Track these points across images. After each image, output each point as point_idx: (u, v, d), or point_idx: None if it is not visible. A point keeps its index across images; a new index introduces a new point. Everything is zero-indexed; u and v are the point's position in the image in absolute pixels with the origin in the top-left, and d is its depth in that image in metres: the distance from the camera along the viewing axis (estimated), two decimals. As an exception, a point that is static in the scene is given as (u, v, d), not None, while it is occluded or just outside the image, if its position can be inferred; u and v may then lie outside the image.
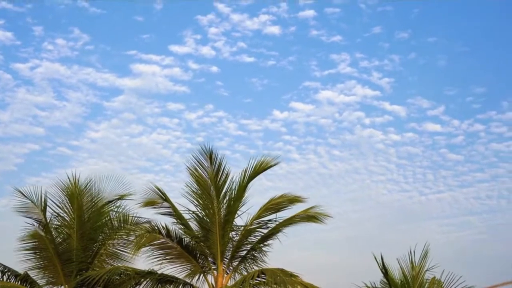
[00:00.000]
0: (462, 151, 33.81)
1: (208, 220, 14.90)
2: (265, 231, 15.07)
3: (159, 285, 14.56)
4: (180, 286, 14.83)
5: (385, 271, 14.30)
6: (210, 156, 14.74)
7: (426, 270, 14.04)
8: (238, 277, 14.93)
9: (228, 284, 14.71)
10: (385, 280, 14.17)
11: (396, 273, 14.34)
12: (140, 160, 32.81)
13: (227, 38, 30.40)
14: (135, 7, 29.68)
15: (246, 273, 14.67)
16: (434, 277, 13.90)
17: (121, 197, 15.47)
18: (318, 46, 31.57)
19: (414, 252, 13.90)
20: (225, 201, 15.02)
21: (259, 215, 15.18)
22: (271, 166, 15.25)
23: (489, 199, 34.56)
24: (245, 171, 15.06)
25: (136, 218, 15.31)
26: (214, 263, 14.99)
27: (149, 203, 15.03)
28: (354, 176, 35.32)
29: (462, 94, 32.97)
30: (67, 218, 15.03)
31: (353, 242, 35.22)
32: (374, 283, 14.37)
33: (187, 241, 15.01)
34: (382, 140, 33.40)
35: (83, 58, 29.88)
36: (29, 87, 30.36)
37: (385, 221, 36.29)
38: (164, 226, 14.80)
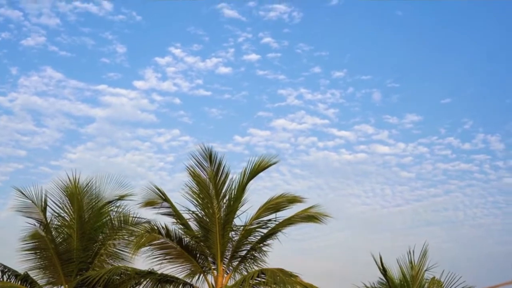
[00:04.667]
0: (412, 169, 37.03)
1: (208, 220, 14.89)
2: (265, 231, 15.08)
3: (159, 285, 14.57)
4: (180, 286, 14.83)
5: (384, 271, 14.30)
6: (210, 156, 14.75)
7: (426, 270, 14.03)
8: (238, 277, 14.93)
9: (228, 284, 14.72)
10: (382, 280, 14.20)
11: (395, 273, 14.38)
12: (117, 177, 34.64)
13: (185, 76, 34.66)
14: (100, 51, 33.73)
15: (246, 273, 14.67)
16: (434, 277, 13.88)
17: (121, 197, 15.47)
18: (265, 83, 35.65)
19: (413, 252, 13.92)
20: (224, 201, 15.02)
21: (259, 215, 15.18)
22: (270, 165, 15.27)
23: (446, 211, 37.66)
24: (245, 171, 15.09)
25: (136, 218, 15.31)
26: (214, 263, 14.99)
27: (149, 203, 15.02)
28: (317, 191, 37.97)
29: (401, 122, 36.48)
30: (67, 218, 15.03)
31: (328, 251, 38.01)
32: (374, 283, 14.41)
33: (187, 241, 15.00)
34: (337, 160, 36.85)
35: (58, 92, 33.66)
36: (10, 116, 34.08)
37: (353, 231, 38.88)
38: (164, 226, 14.79)
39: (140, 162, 35.66)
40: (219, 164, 14.88)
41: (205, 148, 14.71)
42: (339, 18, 36.16)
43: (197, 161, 14.95)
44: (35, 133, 34.05)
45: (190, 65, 34.73)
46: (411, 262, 14.08)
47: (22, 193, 14.59)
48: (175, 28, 36.38)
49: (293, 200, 15.26)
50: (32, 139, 34.05)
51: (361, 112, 36.68)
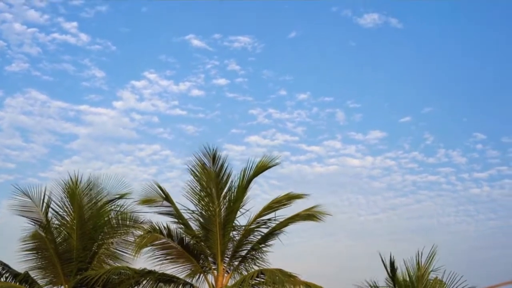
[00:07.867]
0: (382, 180, 38.64)
1: (208, 219, 14.75)
2: (266, 230, 14.90)
3: (159, 284, 14.45)
4: (180, 286, 14.71)
5: (392, 271, 14.22)
6: (214, 156, 14.66)
7: (431, 271, 13.93)
8: (238, 277, 14.77)
9: (228, 284, 14.52)
10: (389, 280, 14.06)
11: (400, 273, 14.25)
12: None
13: (161, 98, 37.68)
14: (81, 76, 36.57)
15: (246, 273, 14.47)
16: (436, 277, 13.80)
17: (121, 197, 15.36)
18: (236, 104, 38.77)
19: (421, 254, 14.02)
20: (225, 201, 14.88)
21: (260, 214, 15.00)
22: (271, 166, 15.13)
23: (421, 219, 39.40)
24: (245, 171, 14.93)
25: (136, 217, 15.20)
26: (214, 263, 14.86)
27: (148, 201, 14.88)
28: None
29: (366, 138, 38.48)
30: (67, 218, 14.94)
31: (310, 256, 38.96)
32: (376, 282, 14.27)
33: (188, 240, 14.88)
34: (311, 172, 38.62)
35: (43, 112, 36.35)
36: (-1, 132, 36.71)
37: (334, 238, 40.24)
38: (166, 226, 14.71)
39: (124, 174, 38.04)
40: (222, 164, 14.79)
41: (209, 149, 14.65)
42: (298, 47, 39.45)
43: (200, 161, 14.84)
44: (24, 148, 36.95)
45: (164, 88, 38.03)
46: (418, 263, 14.03)
47: (24, 193, 14.51)
48: (148, 56, 40.37)
49: (293, 197, 15.04)
50: (21, 153, 36.88)
51: (327, 129, 39.46)
